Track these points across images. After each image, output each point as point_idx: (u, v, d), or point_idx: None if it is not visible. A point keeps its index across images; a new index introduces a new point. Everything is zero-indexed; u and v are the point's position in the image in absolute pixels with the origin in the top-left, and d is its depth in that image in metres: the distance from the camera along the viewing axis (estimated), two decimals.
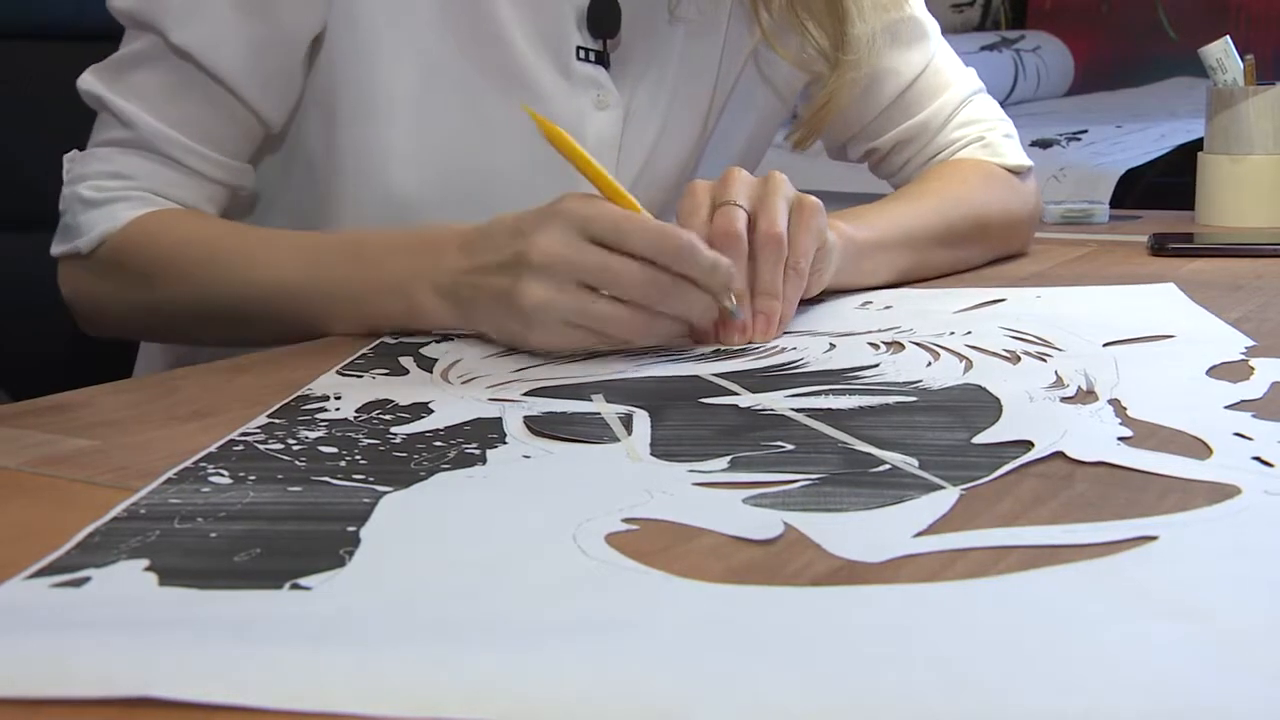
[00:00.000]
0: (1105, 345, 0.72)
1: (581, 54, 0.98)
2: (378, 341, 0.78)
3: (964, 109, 1.10)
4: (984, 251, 1.05)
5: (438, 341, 0.77)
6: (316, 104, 0.94)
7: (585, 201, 0.70)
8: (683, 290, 0.69)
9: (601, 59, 0.99)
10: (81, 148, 0.91)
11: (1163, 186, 2.02)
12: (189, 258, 0.85)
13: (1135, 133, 2.32)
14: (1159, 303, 0.86)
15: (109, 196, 0.88)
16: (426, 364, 0.71)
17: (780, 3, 1.00)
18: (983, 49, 2.92)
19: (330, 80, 0.92)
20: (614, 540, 0.44)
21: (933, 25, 1.11)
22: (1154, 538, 0.43)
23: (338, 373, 0.70)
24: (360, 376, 0.69)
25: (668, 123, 1.03)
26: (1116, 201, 1.84)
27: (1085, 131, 2.28)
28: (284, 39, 0.90)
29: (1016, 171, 1.10)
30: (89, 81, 0.90)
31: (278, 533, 0.45)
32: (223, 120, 0.90)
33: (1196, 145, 1.35)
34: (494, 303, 0.71)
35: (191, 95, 0.89)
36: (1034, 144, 2.13)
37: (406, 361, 0.72)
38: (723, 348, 0.74)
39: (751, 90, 1.09)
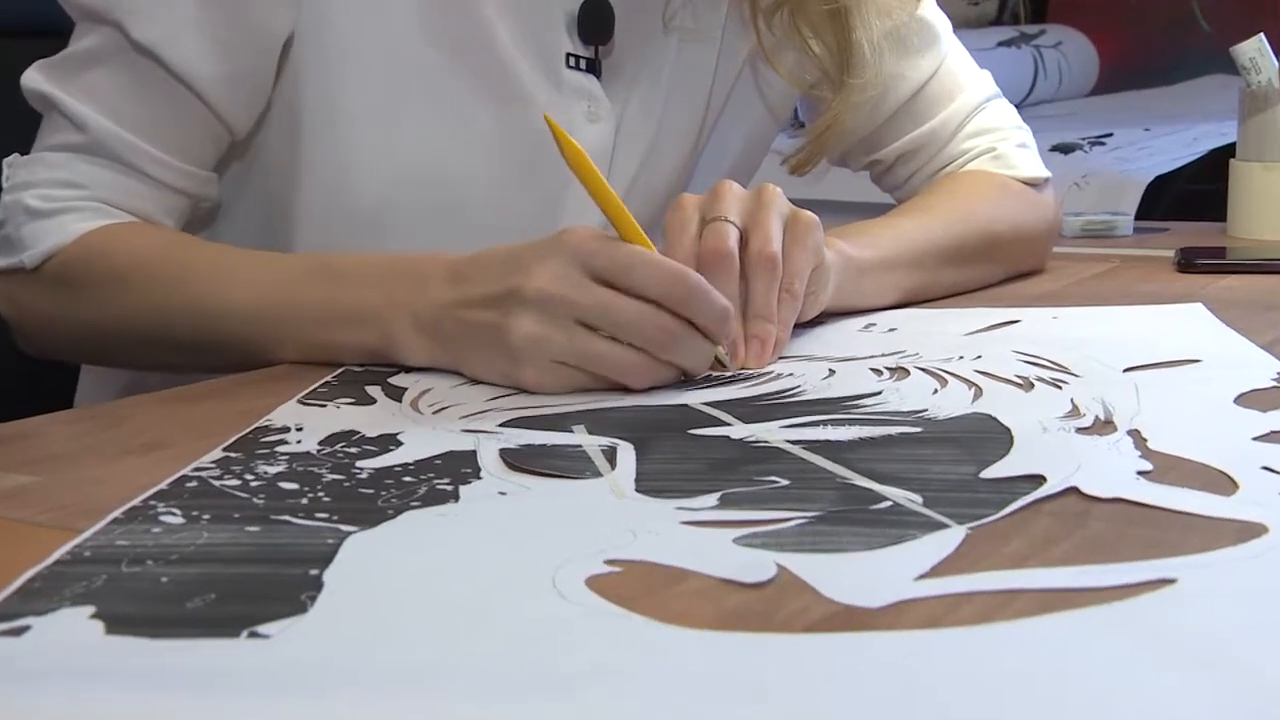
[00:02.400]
0: (1126, 371, 0.73)
1: (571, 61, 0.99)
2: (342, 369, 0.79)
3: (976, 117, 1.11)
4: (996, 269, 1.06)
5: (406, 370, 0.78)
6: (281, 110, 0.94)
7: (590, 235, 0.71)
8: (689, 337, 0.71)
9: (593, 67, 1.00)
10: (24, 152, 0.91)
11: (1194, 194, 2.04)
12: (146, 277, 0.85)
13: (1164, 136, 2.34)
14: (1185, 324, 0.87)
15: (58, 207, 0.88)
16: (395, 393, 0.72)
17: (780, 17, 1.01)
18: (999, 45, 2.94)
19: (297, 84, 0.93)
20: (595, 583, 0.44)
21: (944, 25, 1.12)
22: (1174, 580, 0.43)
23: (299, 402, 0.71)
24: (324, 406, 0.70)
25: (660, 135, 1.04)
26: (1143, 211, 1.86)
27: (1110, 135, 2.29)
28: (253, 37, 0.90)
29: (1032, 183, 1.10)
30: (35, 79, 0.90)
31: (234, 576, 0.46)
32: (185, 124, 0.91)
33: (1231, 149, 1.37)
34: (481, 338, 0.72)
35: (152, 96, 0.89)
36: (1054, 149, 2.14)
37: (374, 390, 0.73)
38: (713, 374, 0.75)
39: (746, 103, 1.10)
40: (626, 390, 0.71)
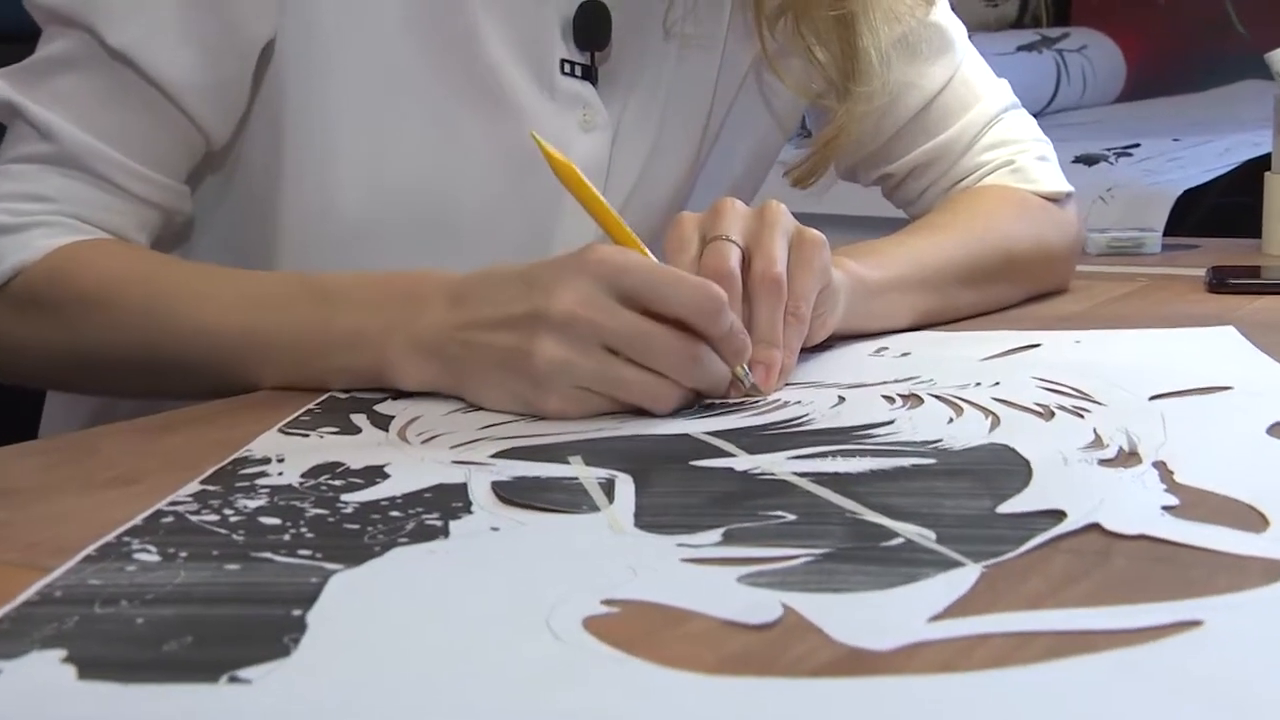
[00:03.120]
0: (1152, 399, 0.73)
1: (566, 68, 1.00)
2: (326, 396, 0.79)
3: (993, 128, 1.12)
4: (1015, 290, 1.07)
5: (394, 397, 0.78)
6: (261, 119, 0.95)
7: (619, 253, 0.72)
8: (710, 361, 0.72)
9: (588, 74, 1.01)
10: None
11: (1227, 209, 2.04)
12: (121, 298, 0.86)
13: (1195, 146, 2.35)
14: (1216, 348, 0.87)
15: (24, 221, 0.89)
16: (381, 421, 0.73)
17: (784, 23, 1.02)
18: (1019, 49, 2.95)
19: (278, 92, 0.94)
20: (592, 625, 0.45)
21: (958, 30, 1.13)
22: (1200, 622, 0.44)
23: (280, 431, 0.71)
24: (306, 436, 0.70)
25: (659, 146, 1.05)
26: (1172, 227, 1.86)
27: (1138, 145, 2.30)
28: (234, 42, 0.91)
29: (1053, 198, 1.11)
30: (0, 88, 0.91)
31: (213, 618, 0.46)
32: (160, 133, 0.92)
33: (1266, 161, 1.37)
34: (497, 363, 0.72)
35: (126, 104, 0.90)
36: (1077, 160, 2.15)
37: (359, 419, 0.73)
38: (716, 402, 0.76)
39: (750, 112, 1.11)
40: (640, 413, 0.72)
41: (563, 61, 1.00)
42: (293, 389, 0.81)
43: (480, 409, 0.74)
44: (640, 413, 0.72)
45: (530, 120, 0.97)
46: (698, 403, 0.75)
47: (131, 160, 0.91)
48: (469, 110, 0.96)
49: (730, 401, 0.76)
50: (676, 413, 0.73)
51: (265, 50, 0.93)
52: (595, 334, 0.70)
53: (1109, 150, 2.24)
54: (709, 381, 0.73)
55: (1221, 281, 1.13)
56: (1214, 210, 2.05)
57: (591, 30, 1.00)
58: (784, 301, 0.78)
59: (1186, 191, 1.99)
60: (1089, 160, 2.17)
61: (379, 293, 0.79)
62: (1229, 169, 2.11)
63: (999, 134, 1.12)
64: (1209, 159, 2.20)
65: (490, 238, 0.98)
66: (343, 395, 0.79)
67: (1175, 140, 2.39)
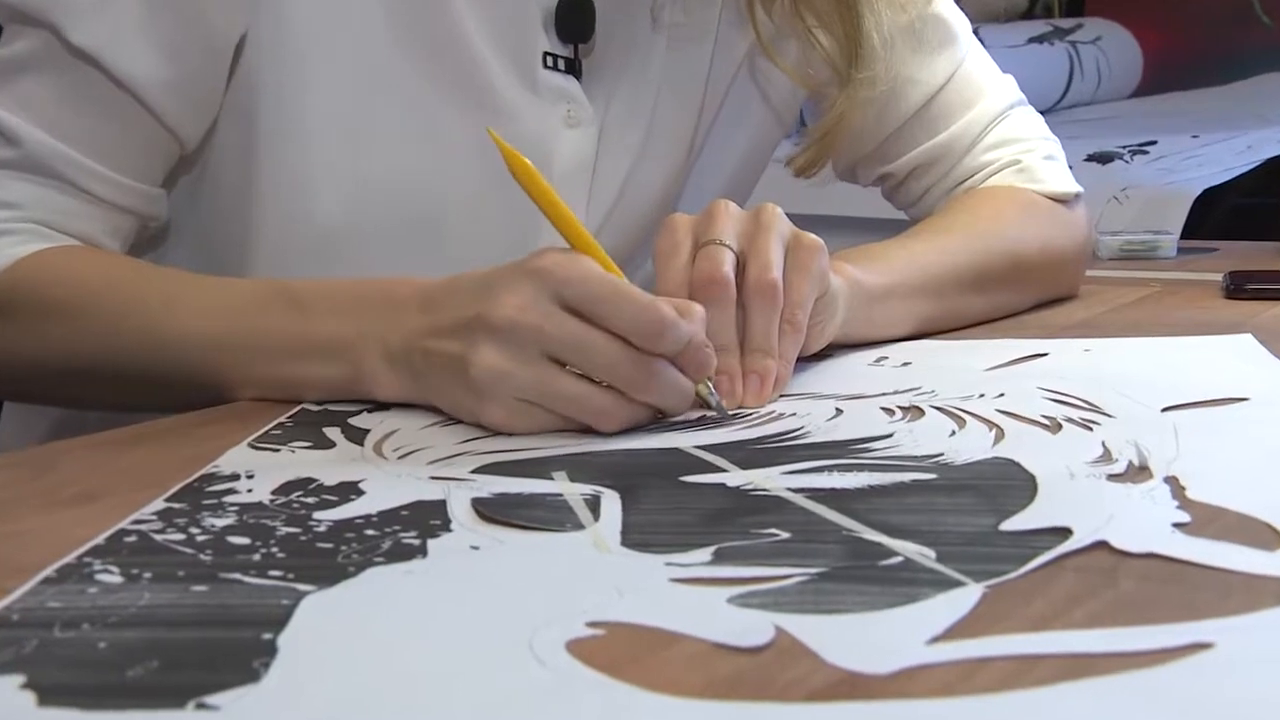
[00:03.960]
0: (1164, 410, 0.74)
1: (549, 61, 1.00)
2: (298, 408, 0.80)
3: (997, 126, 1.12)
4: (1022, 296, 1.07)
5: (370, 410, 0.79)
6: (234, 119, 0.95)
7: (567, 260, 0.72)
8: (666, 375, 0.72)
9: (572, 67, 1.01)
10: None
11: (1247, 210, 2.05)
12: (89, 306, 0.86)
13: (1215, 143, 2.35)
14: (1232, 358, 0.88)
15: None
16: (356, 435, 0.73)
17: (781, 4, 1.02)
18: (1030, 41, 2.95)
19: (251, 91, 0.94)
20: (576, 648, 0.45)
21: (962, 25, 1.13)
22: (1211, 645, 0.44)
23: (250, 446, 0.72)
24: (277, 450, 0.71)
25: (648, 143, 1.05)
26: (1190, 229, 1.87)
27: (1154, 142, 2.31)
28: (203, 39, 0.92)
29: (1062, 199, 1.12)
30: None
31: (179, 641, 0.47)
32: (129, 136, 0.92)
33: None
34: (445, 371, 0.73)
35: (92, 105, 0.90)
36: (1090, 158, 2.16)
37: (332, 433, 0.74)
38: (707, 414, 0.76)
39: (745, 106, 1.11)
40: (600, 433, 0.72)
41: (545, 55, 1.00)
42: (266, 400, 0.81)
43: (459, 421, 0.75)
44: (591, 430, 0.72)
45: (512, 117, 0.98)
46: (656, 421, 0.74)
47: (100, 164, 0.91)
48: (451, 107, 0.97)
49: (715, 416, 0.76)
50: (660, 429, 0.73)
51: (237, 49, 0.93)
52: (536, 342, 0.70)
53: (1124, 148, 2.24)
54: (665, 398, 0.73)
55: (1240, 287, 1.14)
56: (1234, 211, 2.06)
57: (575, 23, 1.01)
58: (779, 309, 0.79)
59: (1205, 192, 2.00)
60: (1103, 159, 2.18)
61: (354, 300, 0.79)
62: (1250, 168, 2.12)
63: (1004, 132, 1.12)
64: (1229, 157, 2.20)
65: (475, 238, 0.99)
66: (315, 408, 0.80)
67: (1194, 137, 2.40)
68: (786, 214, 0.82)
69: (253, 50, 0.93)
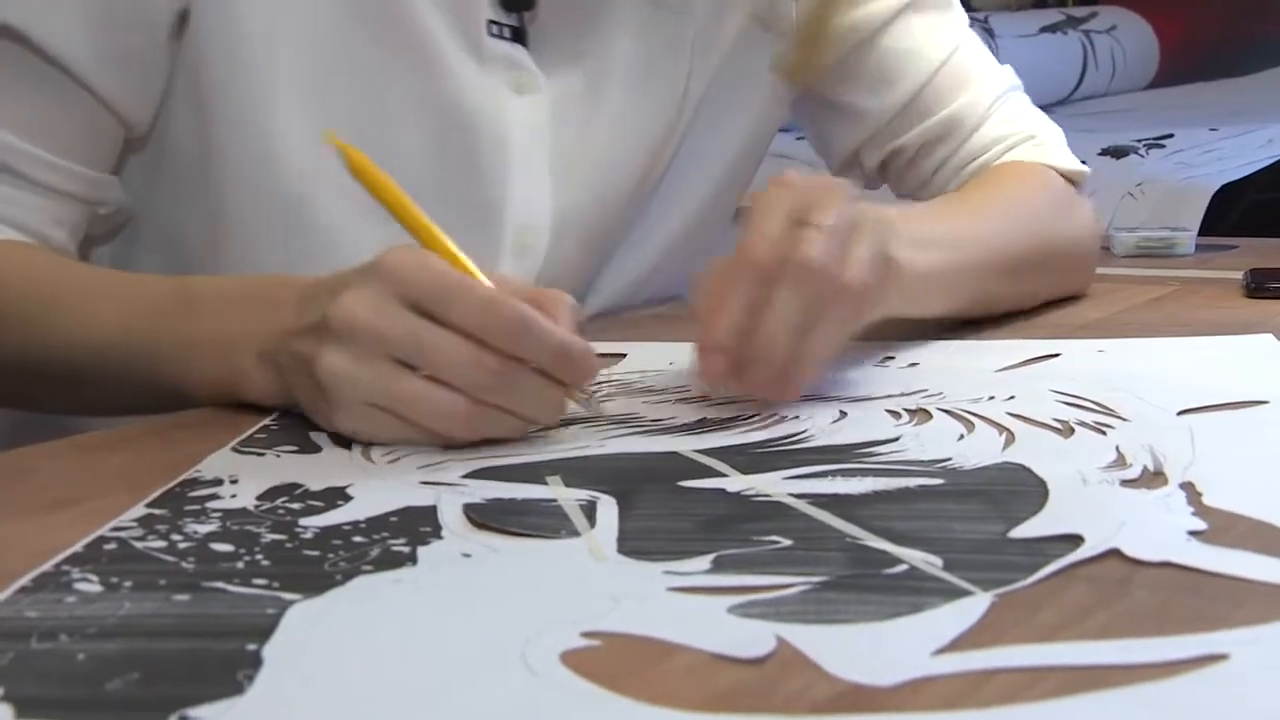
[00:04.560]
0: (1180, 414, 0.74)
1: (494, 29, 1.01)
2: (282, 411, 0.80)
3: (1005, 101, 1.13)
4: (1046, 288, 1.08)
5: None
6: (187, 96, 0.96)
7: (410, 258, 0.71)
8: (519, 378, 0.70)
9: (519, 35, 1.02)
10: None
11: (1268, 205, 2.05)
12: (14, 306, 0.87)
13: (1234, 137, 2.35)
14: (1251, 359, 0.88)
15: None
16: (344, 439, 0.73)
17: None
18: (1043, 31, 2.96)
19: (198, 66, 0.95)
20: (571, 659, 0.45)
21: (959, 10, 1.15)
22: (1225, 656, 0.45)
23: (233, 450, 0.72)
24: (262, 455, 0.71)
25: (620, 115, 1.05)
26: (1208, 226, 1.87)
27: (1170, 136, 2.31)
28: (137, 14, 0.92)
29: (1075, 180, 1.13)
30: None
31: (161, 653, 0.47)
32: (69, 117, 0.92)
33: None
34: (299, 374, 0.73)
35: (23, 85, 0.91)
36: (1105, 152, 2.16)
37: (319, 436, 0.74)
38: (708, 418, 0.76)
39: (742, 84, 1.11)
40: (597, 421, 0.72)
41: (490, 23, 1.01)
42: (175, 401, 0.81)
43: None
44: (582, 425, 0.72)
45: (460, 86, 0.98)
46: (529, 431, 0.73)
47: (37, 148, 0.91)
48: (402, 74, 0.98)
49: (721, 418, 0.76)
50: (660, 427, 0.73)
51: (183, 26, 0.94)
52: (378, 343, 0.69)
53: (1139, 141, 2.24)
54: (526, 404, 0.71)
55: (1260, 285, 1.14)
56: (1254, 207, 2.06)
57: None
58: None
59: (1224, 187, 2.00)
60: (1117, 152, 2.18)
61: (239, 299, 0.80)
62: (1271, 162, 2.12)
63: (1012, 108, 1.14)
64: (1249, 151, 2.20)
65: (436, 205, 0.99)
66: (300, 412, 0.80)
67: (1212, 130, 2.40)
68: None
69: (197, 24, 0.93)
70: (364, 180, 0.75)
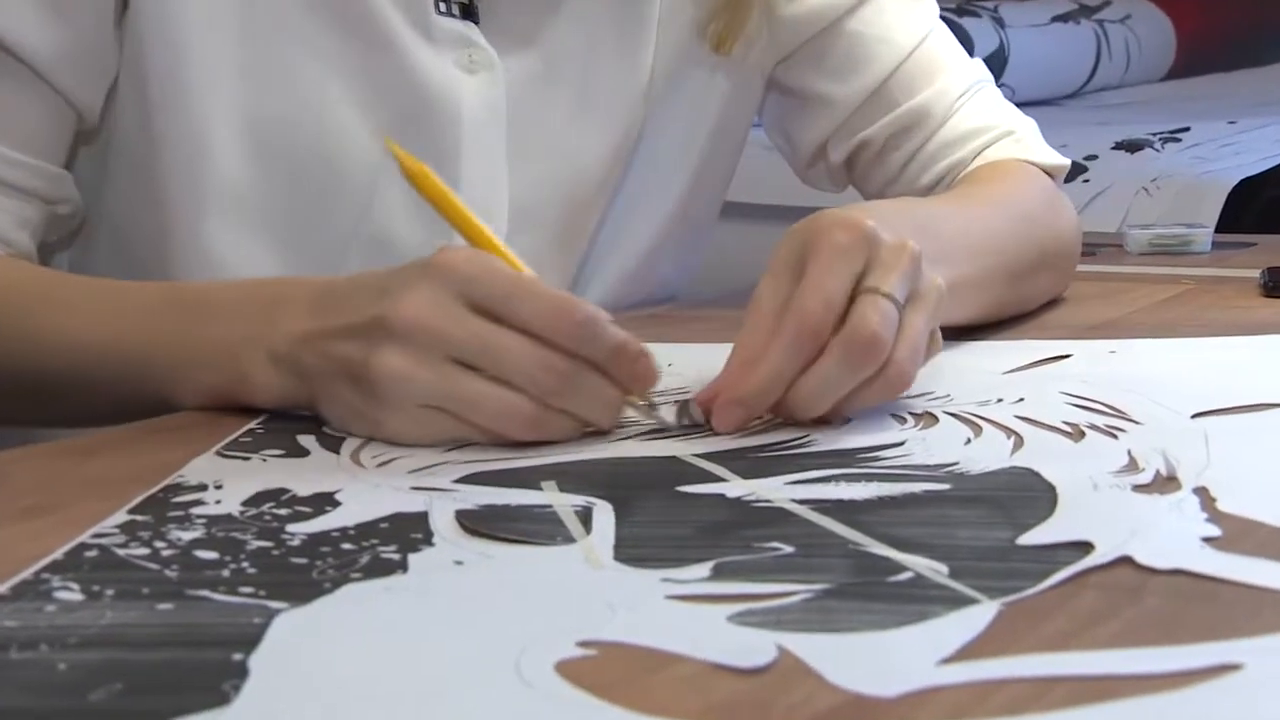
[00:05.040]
0: (1195, 417, 0.75)
1: (442, 7, 1.01)
2: (268, 414, 0.80)
3: (975, 95, 1.13)
4: (1044, 291, 1.08)
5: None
6: (128, 83, 0.96)
7: (470, 257, 0.72)
8: (587, 380, 0.71)
9: (469, 12, 1.02)
10: None
11: None
12: None
13: (1253, 130, 2.36)
14: (1269, 360, 0.89)
15: None
16: (332, 443, 0.74)
17: None
18: (1054, 20, 2.96)
19: (140, 50, 0.95)
20: (566, 669, 0.46)
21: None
22: (1239, 666, 0.45)
23: (218, 454, 0.72)
24: (247, 459, 0.71)
25: (582, 102, 1.05)
26: (1225, 223, 1.87)
27: (1187, 129, 2.31)
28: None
29: (1055, 175, 1.13)
30: None
31: (144, 663, 0.47)
32: (26, 110, 0.93)
33: None
34: (341, 376, 0.73)
35: None
36: (1119, 146, 2.16)
37: (306, 440, 0.74)
38: (692, 424, 0.76)
39: (711, 67, 1.11)
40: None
41: (437, 1, 1.01)
42: (159, 410, 0.81)
43: None
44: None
45: (410, 66, 0.99)
46: (582, 434, 0.73)
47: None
48: (349, 55, 0.98)
49: (668, 427, 0.76)
50: (659, 430, 0.74)
51: (123, 9, 0.94)
52: (440, 344, 0.70)
53: (1154, 135, 2.25)
54: (585, 406, 0.72)
55: (1278, 284, 1.14)
56: (1273, 203, 2.06)
57: None
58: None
59: (1242, 182, 2.01)
60: (1131, 147, 2.18)
61: (239, 300, 0.80)
62: None
63: (983, 100, 1.14)
64: (1268, 145, 2.21)
65: (384, 189, 0.99)
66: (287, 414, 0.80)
67: (1230, 123, 2.41)
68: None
69: (138, 11, 0.94)
70: (422, 189, 0.76)
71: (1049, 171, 1.13)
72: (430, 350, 0.70)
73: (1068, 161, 1.15)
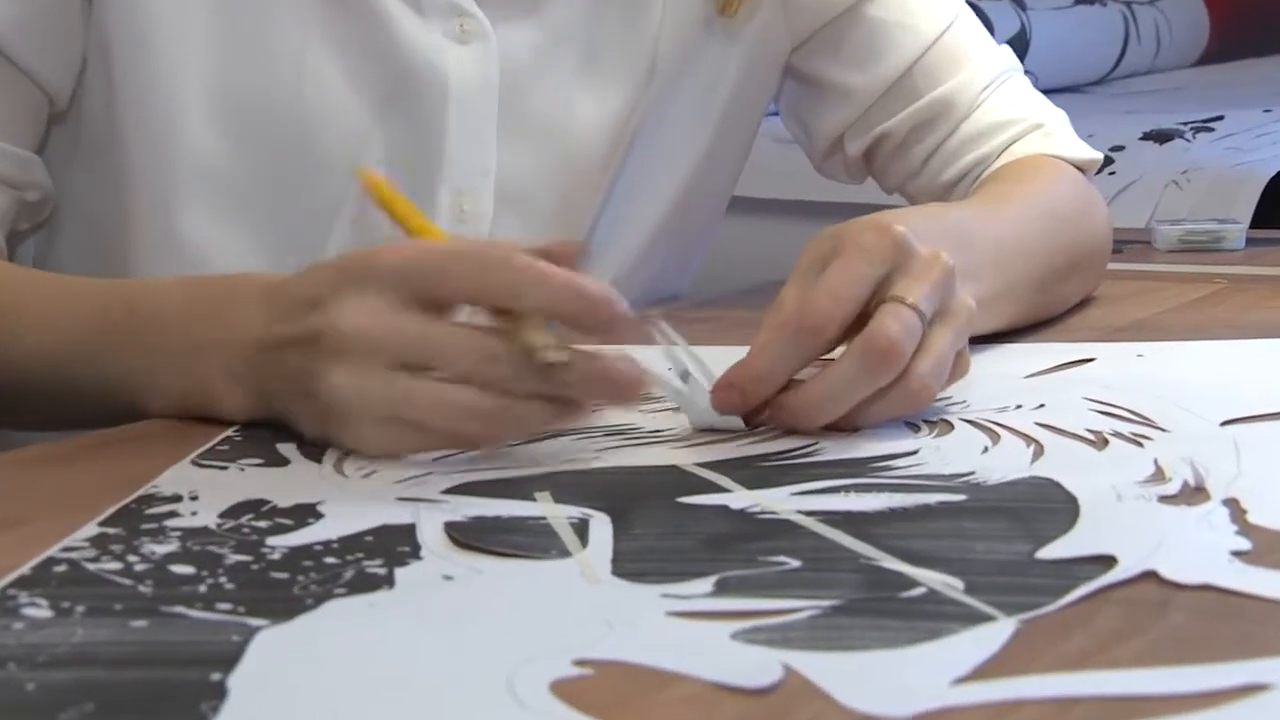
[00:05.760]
0: (1225, 424, 0.75)
1: None
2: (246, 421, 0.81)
3: (1002, 85, 1.13)
4: (1075, 293, 1.08)
5: None
6: (94, 55, 0.97)
7: (399, 250, 0.72)
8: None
9: None
10: None
11: None
12: None
13: None
14: None
15: None
16: (314, 452, 0.74)
17: None
18: (1079, 3, 2.96)
19: (105, 23, 0.96)
20: (562, 689, 0.46)
21: None
22: (1268, 686, 0.45)
23: (193, 463, 0.73)
24: (224, 468, 0.72)
25: (580, 76, 1.05)
26: (1261, 218, 1.87)
27: (1220, 118, 2.31)
28: None
29: (1085, 170, 1.13)
30: None
31: (117, 683, 0.48)
32: None
33: None
34: (294, 391, 0.73)
35: None
36: (1147, 137, 2.16)
37: (287, 449, 0.74)
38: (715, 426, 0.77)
39: (722, 46, 1.11)
40: (590, 434, 0.72)
41: None
42: (136, 416, 0.81)
43: None
44: (574, 436, 0.72)
45: (398, 37, 0.99)
46: (558, 418, 0.71)
47: None
48: (330, 23, 0.98)
49: (726, 429, 0.77)
50: (659, 437, 0.74)
51: None
52: (380, 352, 0.69)
53: (1186, 125, 2.25)
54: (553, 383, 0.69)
55: None
56: None
57: None
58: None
59: (1278, 174, 2.01)
60: (1161, 137, 2.18)
61: (191, 303, 0.80)
62: None
63: (1011, 92, 1.13)
64: None
65: (366, 163, 1.00)
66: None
67: (1266, 112, 2.41)
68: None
69: None
70: (383, 204, 0.76)
71: (1080, 166, 1.13)
72: (372, 360, 0.69)
73: (1100, 155, 1.15)
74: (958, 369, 0.77)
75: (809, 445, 0.73)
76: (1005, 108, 1.13)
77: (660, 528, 0.62)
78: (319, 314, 0.71)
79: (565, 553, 0.59)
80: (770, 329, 0.74)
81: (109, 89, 0.97)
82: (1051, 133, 1.12)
